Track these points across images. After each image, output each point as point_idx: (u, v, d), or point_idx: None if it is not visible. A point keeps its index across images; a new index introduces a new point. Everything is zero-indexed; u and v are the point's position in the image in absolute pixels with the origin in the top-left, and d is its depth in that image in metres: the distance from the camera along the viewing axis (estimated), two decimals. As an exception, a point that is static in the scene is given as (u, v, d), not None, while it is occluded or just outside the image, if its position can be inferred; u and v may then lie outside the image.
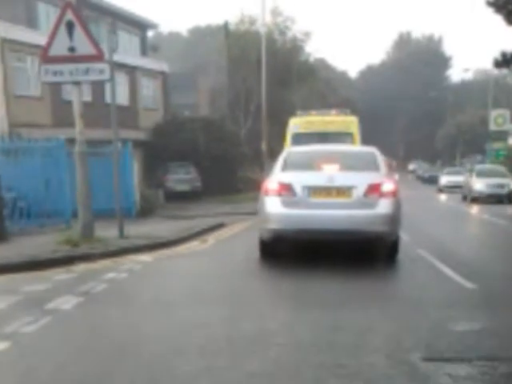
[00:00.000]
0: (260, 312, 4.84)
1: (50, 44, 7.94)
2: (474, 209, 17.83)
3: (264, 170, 22.14)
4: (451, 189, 28.86)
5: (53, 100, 19.04)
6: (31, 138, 14.00)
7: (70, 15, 7.84)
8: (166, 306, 5.03)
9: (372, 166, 7.15)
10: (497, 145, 39.58)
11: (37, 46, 15.11)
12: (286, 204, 6.62)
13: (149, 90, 25.53)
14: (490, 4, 15.41)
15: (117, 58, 23.04)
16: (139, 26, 27.83)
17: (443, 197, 25.84)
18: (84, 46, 7.90)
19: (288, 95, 30.37)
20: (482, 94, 52.26)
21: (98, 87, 19.35)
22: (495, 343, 3.94)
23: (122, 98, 23.30)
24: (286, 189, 6.65)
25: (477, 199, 20.16)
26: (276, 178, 6.97)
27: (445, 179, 30.76)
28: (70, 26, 7.86)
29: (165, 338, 4.07)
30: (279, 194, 6.67)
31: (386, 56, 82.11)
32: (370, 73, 78.40)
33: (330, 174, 6.77)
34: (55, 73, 7.96)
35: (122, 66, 22.94)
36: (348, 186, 6.60)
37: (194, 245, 9.22)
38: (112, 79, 8.53)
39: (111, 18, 24.81)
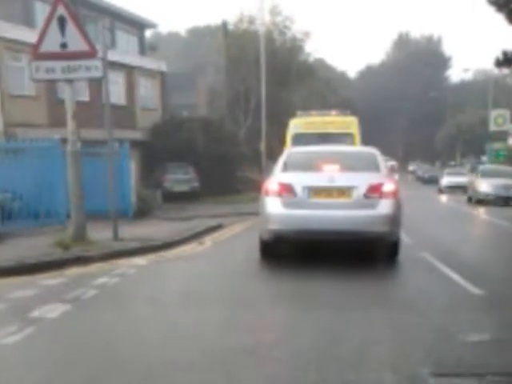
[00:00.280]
0: (258, 317, 4.62)
1: (41, 40, 7.67)
2: (479, 211, 17.13)
3: (263, 170, 21.95)
4: (452, 189, 28.48)
5: (49, 99, 18.79)
6: (27, 137, 13.85)
7: (61, 10, 7.58)
8: (158, 315, 4.75)
9: (372, 166, 7.15)
10: (497, 145, 39.49)
11: (33, 45, 14.84)
12: (286, 204, 6.61)
13: (147, 89, 25.30)
14: (491, 3, 15.20)
15: (114, 57, 22.95)
16: (137, 25, 27.64)
17: (445, 198, 25.35)
18: (76, 43, 7.63)
19: (287, 95, 30.13)
20: (481, 94, 52.11)
21: (95, 87, 19.08)
22: (509, 356, 3.68)
23: (120, 97, 23.09)
24: (287, 189, 6.65)
25: (482, 201, 19.22)
26: (276, 178, 6.97)
27: (446, 180, 30.21)
28: (61, 22, 7.59)
29: (156, 349, 3.80)
30: (280, 195, 6.66)
31: (386, 56, 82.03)
32: (369, 73, 78.27)
33: (331, 175, 6.75)
34: (46, 70, 7.69)
35: (119, 66, 22.78)
36: (348, 187, 6.59)
37: (190, 247, 8.97)
38: (105, 77, 8.27)
39: (110, 18, 24.68)
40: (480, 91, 54.82)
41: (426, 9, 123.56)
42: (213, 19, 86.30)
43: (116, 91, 22.91)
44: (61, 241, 7.83)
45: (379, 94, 70.01)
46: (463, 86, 69.03)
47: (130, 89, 23.95)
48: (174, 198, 19.62)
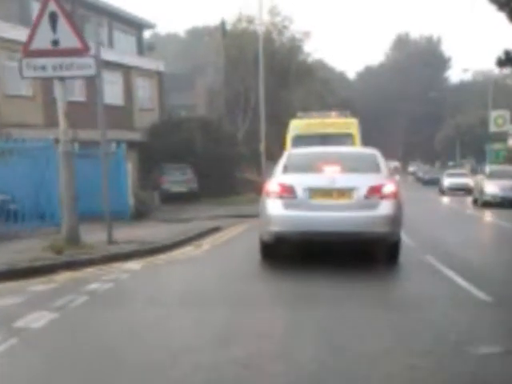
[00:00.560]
0: (259, 325, 4.37)
1: (31, 37, 7.42)
2: (486, 213, 16.43)
3: (262, 171, 21.73)
4: (454, 191, 28.01)
5: (45, 99, 18.56)
6: (22, 138, 13.66)
7: (53, 6, 7.33)
8: (151, 325, 4.46)
9: (373, 167, 7.14)
10: (496, 146, 39.38)
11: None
12: (287, 206, 6.61)
13: (144, 89, 25.11)
14: (492, 2, 15.02)
15: (112, 57, 22.76)
16: (135, 25, 27.47)
17: (448, 200, 24.78)
18: (68, 39, 7.38)
19: (286, 96, 29.91)
20: (481, 95, 51.99)
21: (92, 87, 18.85)
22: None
23: (117, 97, 22.89)
24: (288, 191, 6.64)
25: (489, 203, 18.32)
26: (277, 179, 6.98)
27: (447, 181, 29.44)
28: (53, 18, 7.35)
29: (147, 365, 3.53)
30: (280, 196, 6.66)
31: (385, 57, 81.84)
32: (368, 74, 78.11)
33: (331, 176, 6.72)
34: (37, 67, 7.44)
35: (116, 66, 22.57)
36: (349, 188, 6.59)
37: (187, 250, 8.74)
38: (99, 75, 8.02)
39: (108, 18, 24.49)
40: (479, 92, 54.72)
41: (425, 9, 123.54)
42: (212, 20, 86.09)
43: (113, 91, 22.72)
44: (53, 244, 7.58)
45: (378, 94, 69.85)
46: (463, 86, 68.86)
47: (128, 89, 23.79)
48: (172, 199, 19.45)
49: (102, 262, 7.17)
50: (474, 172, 34.89)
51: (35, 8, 21.23)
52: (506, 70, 38.72)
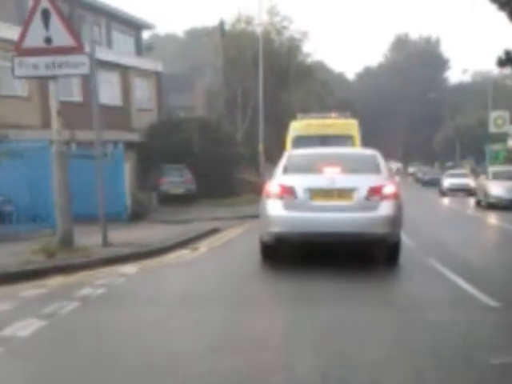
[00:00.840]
0: (255, 332, 4.17)
1: (23, 35, 7.23)
2: (491, 216, 15.76)
3: (261, 172, 21.57)
4: (455, 192, 27.67)
5: (41, 100, 18.33)
6: (19, 139, 13.51)
7: (45, 3, 7.13)
8: (145, 335, 4.21)
9: (373, 168, 7.16)
10: (496, 146, 39.31)
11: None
12: (287, 207, 6.62)
13: (143, 90, 24.93)
14: (493, 1, 14.89)
15: (110, 57, 22.51)
16: (134, 26, 27.32)
17: (449, 201, 24.34)
18: (61, 37, 7.19)
19: (286, 96, 29.78)
20: (480, 95, 51.87)
21: (89, 87, 18.70)
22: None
23: (115, 98, 22.73)
24: (288, 191, 6.65)
25: (494, 205, 17.48)
26: (277, 180, 6.99)
27: (448, 182, 28.95)
28: (45, 15, 7.15)
29: (138, 377, 3.33)
30: (281, 197, 6.68)
31: (384, 58, 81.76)
32: (367, 75, 77.98)
33: (332, 177, 6.71)
34: (30, 66, 7.24)
35: (114, 66, 22.39)
36: (349, 189, 6.59)
37: (184, 253, 8.55)
38: (93, 74, 7.83)
39: (106, 18, 24.32)
40: (478, 93, 54.60)
41: (424, 10, 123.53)
42: (211, 20, 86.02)
43: (111, 92, 22.56)
44: (46, 247, 7.36)
45: (378, 95, 69.71)
46: (462, 87, 68.72)
47: (126, 89, 23.61)
48: (170, 200, 19.29)
49: (95, 265, 6.96)
50: (473, 172, 34.72)
51: (32, 8, 21.14)
52: (506, 71, 38.62)
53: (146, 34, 36.86)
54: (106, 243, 8.30)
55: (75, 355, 3.76)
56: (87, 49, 7.93)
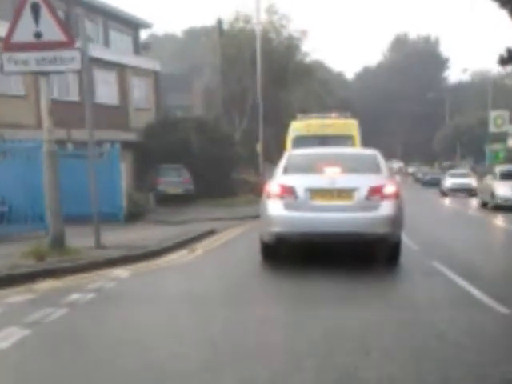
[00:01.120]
0: (251, 342, 3.92)
1: (12, 29, 6.95)
2: (497, 218, 15.06)
3: (260, 172, 21.33)
4: (456, 192, 27.29)
5: (38, 99, 18.06)
6: (15, 139, 13.30)
7: (35, -4, 6.87)
8: (135, 346, 3.93)
9: (373, 168, 7.16)
10: (496, 146, 39.17)
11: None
12: (287, 207, 6.62)
13: (140, 89, 24.70)
14: (494, -1, 14.72)
15: (107, 56, 22.21)
16: (132, 25, 27.12)
17: (451, 201, 23.81)
18: (52, 32, 6.92)
19: (284, 96, 29.54)
20: (479, 95, 51.73)
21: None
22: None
23: (112, 97, 22.49)
24: (288, 191, 6.65)
25: (500, 206, 16.67)
26: (278, 180, 7.00)
27: (449, 181, 28.45)
28: (35, 9, 6.89)
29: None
30: (281, 197, 6.68)
31: (383, 57, 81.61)
32: (366, 74, 77.80)
33: (332, 177, 6.69)
34: (19, 62, 6.98)
35: (111, 65, 22.15)
36: (350, 188, 6.58)
37: (180, 255, 8.29)
38: (85, 69, 7.57)
39: (103, 17, 24.08)
40: (478, 92, 54.49)
41: (423, 10, 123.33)
42: (209, 20, 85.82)
43: (109, 91, 22.32)
44: (35, 250, 7.09)
45: (377, 95, 69.57)
46: (461, 87, 68.57)
47: (123, 88, 23.40)
48: (168, 200, 19.07)
49: (87, 269, 6.68)
50: (473, 172, 34.47)
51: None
52: (505, 70, 38.45)
53: (144, 34, 36.73)
54: (99, 245, 8.04)
55: (56, 369, 3.49)
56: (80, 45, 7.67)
